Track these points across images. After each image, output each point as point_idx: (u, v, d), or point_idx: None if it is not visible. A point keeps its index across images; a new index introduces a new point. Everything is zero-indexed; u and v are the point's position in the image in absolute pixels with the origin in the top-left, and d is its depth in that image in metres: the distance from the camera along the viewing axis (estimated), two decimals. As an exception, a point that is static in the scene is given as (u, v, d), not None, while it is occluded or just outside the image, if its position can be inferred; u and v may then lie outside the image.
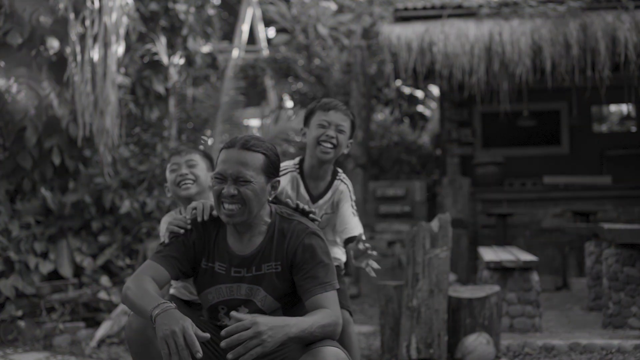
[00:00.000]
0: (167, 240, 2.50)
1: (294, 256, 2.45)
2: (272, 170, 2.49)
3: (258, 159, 2.45)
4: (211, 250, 2.52)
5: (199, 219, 2.54)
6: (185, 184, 3.03)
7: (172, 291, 2.98)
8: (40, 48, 6.97)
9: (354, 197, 3.12)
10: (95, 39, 6.87)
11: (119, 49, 7.13)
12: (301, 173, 3.08)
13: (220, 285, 2.50)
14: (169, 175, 3.11)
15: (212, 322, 2.57)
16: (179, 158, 3.10)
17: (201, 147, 3.27)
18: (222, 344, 2.14)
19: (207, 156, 3.19)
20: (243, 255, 2.48)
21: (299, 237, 2.46)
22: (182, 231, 2.51)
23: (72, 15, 6.78)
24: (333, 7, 11.33)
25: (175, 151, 3.16)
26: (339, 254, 3.16)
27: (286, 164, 3.06)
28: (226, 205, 2.43)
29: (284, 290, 2.49)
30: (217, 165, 2.49)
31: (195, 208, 2.61)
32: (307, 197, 3.04)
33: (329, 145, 2.96)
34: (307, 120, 3.08)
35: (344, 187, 3.09)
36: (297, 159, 3.13)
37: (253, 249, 2.48)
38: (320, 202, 3.06)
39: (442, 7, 8.60)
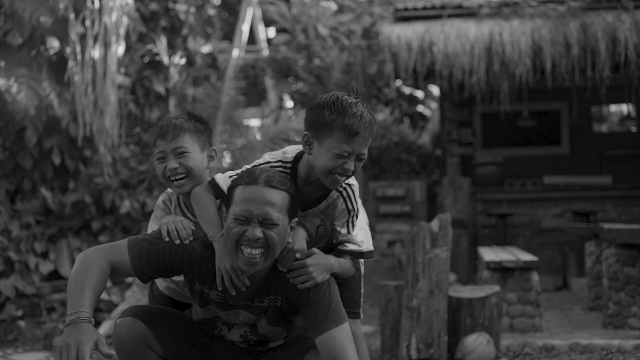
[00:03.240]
0: (165, 237, 2.31)
1: (294, 294, 2.32)
2: (294, 210, 2.30)
3: (284, 198, 2.25)
4: (207, 276, 2.34)
5: (176, 242, 2.31)
6: (177, 180, 2.52)
7: (163, 286, 2.69)
8: (40, 48, 6.97)
9: (357, 212, 2.50)
10: (95, 39, 6.87)
11: (119, 49, 7.14)
12: (292, 176, 2.42)
13: (217, 310, 2.40)
14: (156, 165, 2.58)
15: (208, 331, 2.50)
16: (165, 144, 2.52)
17: (188, 118, 2.60)
18: None
19: (199, 129, 2.60)
20: (243, 291, 2.33)
21: None
22: (177, 241, 2.31)
23: (72, 15, 6.78)
24: (333, 7, 11.34)
25: (159, 133, 2.55)
26: (361, 237, 2.61)
27: (273, 156, 2.48)
28: (247, 251, 2.21)
29: (284, 320, 2.41)
30: (235, 203, 2.24)
31: (169, 231, 2.33)
32: None
33: (344, 178, 2.37)
34: (318, 130, 2.32)
35: (342, 205, 2.46)
36: (290, 155, 2.46)
37: (254, 282, 2.33)
38: (309, 212, 2.48)
39: (442, 7, 8.60)
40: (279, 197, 2.23)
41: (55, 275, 6.68)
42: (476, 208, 9.08)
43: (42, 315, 6.21)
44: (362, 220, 2.61)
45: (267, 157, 2.47)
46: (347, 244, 2.48)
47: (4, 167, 6.93)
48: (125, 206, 6.77)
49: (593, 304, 6.26)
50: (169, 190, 2.68)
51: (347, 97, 2.35)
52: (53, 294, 6.34)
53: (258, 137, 8.26)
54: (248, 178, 2.26)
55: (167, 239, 2.31)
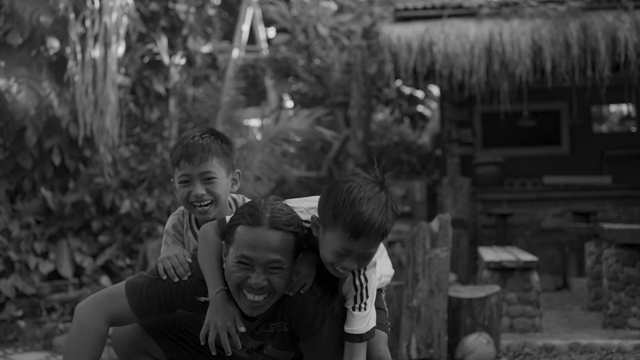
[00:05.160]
0: (161, 275, 2.21)
1: (298, 322, 2.22)
2: (299, 249, 2.16)
3: (289, 240, 2.11)
4: None
5: (175, 280, 2.20)
6: (202, 206, 2.36)
7: None
8: (41, 48, 6.97)
9: (366, 288, 2.20)
10: (95, 39, 6.87)
11: (119, 49, 7.13)
12: (311, 239, 2.24)
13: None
14: (177, 187, 2.40)
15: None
16: (191, 168, 2.34)
17: (214, 138, 2.39)
18: None
19: (226, 152, 2.42)
20: (248, 317, 2.23)
21: (304, 302, 2.19)
22: (176, 279, 2.20)
23: (72, 15, 6.77)
24: (333, 7, 11.35)
25: (185, 154, 2.36)
26: (385, 268, 2.45)
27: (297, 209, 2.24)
28: (250, 296, 2.10)
29: (292, 344, 2.32)
30: (236, 245, 2.09)
31: (165, 269, 2.21)
32: None
33: (346, 272, 2.17)
34: (323, 219, 2.11)
35: (349, 278, 2.21)
36: (307, 223, 2.21)
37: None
38: None
39: (442, 7, 8.60)
40: (283, 240, 2.09)
41: (55, 275, 6.68)
42: (476, 208, 9.08)
43: (42, 315, 6.21)
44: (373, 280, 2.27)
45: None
46: (351, 325, 2.21)
47: (4, 167, 6.93)
48: (125, 206, 6.76)
49: (593, 304, 6.26)
50: (179, 210, 2.55)
51: (364, 187, 2.05)
52: (53, 294, 6.33)
53: (258, 137, 8.26)
54: (251, 217, 2.10)
55: (164, 277, 2.22)
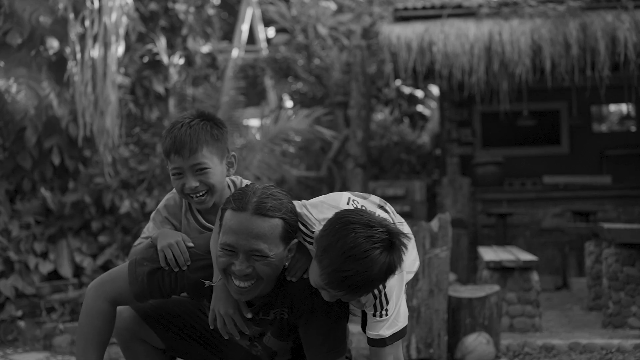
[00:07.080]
0: (163, 265, 2.20)
1: (300, 307, 2.17)
2: (291, 235, 2.08)
3: (275, 227, 2.01)
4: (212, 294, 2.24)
5: (175, 270, 2.19)
6: (198, 197, 2.32)
7: None
8: (40, 48, 6.97)
9: (385, 295, 2.11)
10: (95, 39, 6.86)
11: (119, 49, 7.13)
12: None
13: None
14: (172, 179, 2.37)
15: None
16: (181, 161, 2.28)
17: (203, 123, 2.32)
18: None
19: (216, 137, 2.34)
20: (248, 302, 2.21)
21: (306, 287, 2.12)
22: (176, 269, 2.20)
23: (72, 15, 6.77)
24: (333, 7, 11.34)
25: (173, 146, 2.29)
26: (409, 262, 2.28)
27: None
28: (237, 282, 2.06)
29: (290, 335, 2.30)
30: (223, 230, 2.04)
31: (168, 257, 2.19)
32: None
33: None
34: (317, 247, 2.03)
35: (370, 298, 2.13)
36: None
37: (258, 297, 2.19)
38: None
39: (442, 7, 8.60)
40: (269, 226, 2.00)
41: (55, 276, 6.67)
42: (476, 208, 9.08)
43: (42, 315, 6.21)
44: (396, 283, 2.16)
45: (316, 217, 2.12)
46: (373, 329, 2.16)
47: (4, 167, 6.93)
48: (125, 206, 6.76)
49: (593, 303, 6.26)
50: (174, 195, 2.49)
51: (363, 243, 1.92)
52: (53, 294, 6.33)
53: (258, 137, 8.26)
54: (237, 202, 2.03)
55: (167, 268, 2.22)
